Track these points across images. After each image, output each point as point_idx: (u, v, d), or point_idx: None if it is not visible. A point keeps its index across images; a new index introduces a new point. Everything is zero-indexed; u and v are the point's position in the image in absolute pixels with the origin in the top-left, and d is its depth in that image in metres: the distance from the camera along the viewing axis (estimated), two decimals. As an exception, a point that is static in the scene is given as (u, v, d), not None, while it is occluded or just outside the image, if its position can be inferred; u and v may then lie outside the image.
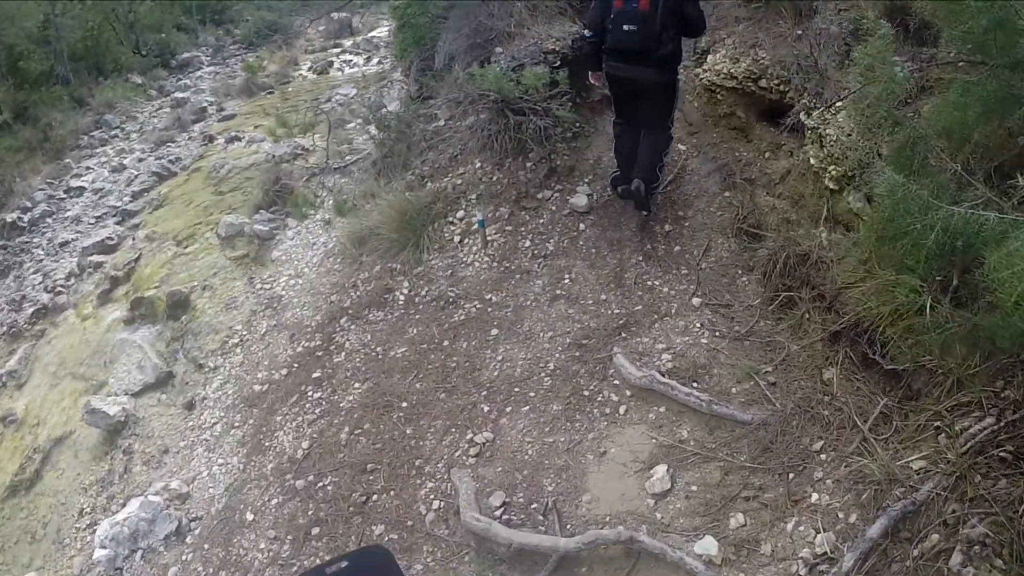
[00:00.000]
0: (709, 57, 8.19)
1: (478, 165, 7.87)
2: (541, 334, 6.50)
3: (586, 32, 6.42)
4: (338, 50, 18.40)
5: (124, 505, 6.47)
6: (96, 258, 10.50)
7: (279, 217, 9.48)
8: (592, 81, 6.97)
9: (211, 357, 7.80)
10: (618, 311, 6.51)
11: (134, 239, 10.64)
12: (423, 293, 7.20)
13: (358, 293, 7.55)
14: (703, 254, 6.91)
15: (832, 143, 5.84)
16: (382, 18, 19.15)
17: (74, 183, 13.59)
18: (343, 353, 6.97)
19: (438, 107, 8.80)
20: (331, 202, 9.25)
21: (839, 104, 5.98)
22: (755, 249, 6.57)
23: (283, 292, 8.17)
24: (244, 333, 7.88)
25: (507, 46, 8.20)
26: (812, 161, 6.23)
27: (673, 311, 6.47)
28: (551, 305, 6.69)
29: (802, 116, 6.48)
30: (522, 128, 7.43)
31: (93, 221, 11.98)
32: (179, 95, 16.98)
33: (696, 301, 6.49)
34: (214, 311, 8.38)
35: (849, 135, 5.81)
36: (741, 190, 7.27)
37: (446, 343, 6.66)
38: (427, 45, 9.39)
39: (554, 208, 7.46)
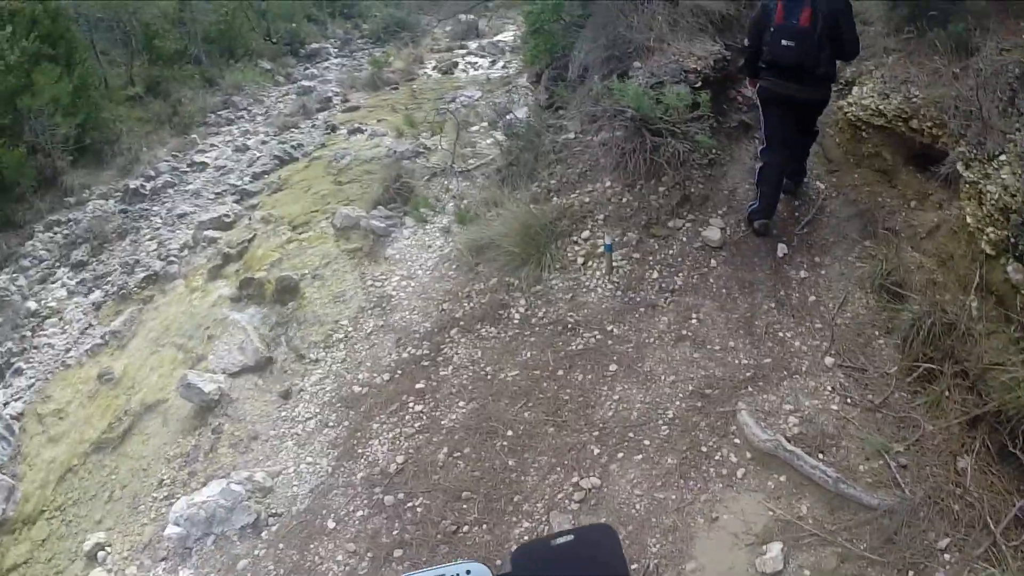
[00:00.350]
0: (855, 89, 7.48)
1: (608, 184, 7.31)
2: (662, 376, 5.94)
3: (745, 41, 6.38)
4: (464, 51, 18.01)
5: (205, 485, 6.19)
6: (211, 233, 10.32)
7: (397, 215, 9.12)
8: (747, 88, 7.15)
9: (313, 348, 7.44)
10: (746, 361, 5.93)
11: (250, 219, 10.43)
12: (540, 314, 6.68)
13: (471, 305, 7.11)
14: (839, 308, 6.26)
15: (993, 201, 5.23)
16: (508, 22, 18.71)
17: (198, 158, 13.55)
18: (450, 367, 6.51)
19: (569, 118, 8.28)
20: (451, 206, 8.86)
21: (1002, 157, 5.36)
22: (896, 310, 5.91)
23: (394, 292, 7.78)
24: (350, 329, 7.50)
25: (646, 61, 7.64)
26: (968, 219, 5.56)
27: (804, 369, 5.85)
28: (675, 346, 6.13)
29: (959, 166, 5.81)
30: (659, 150, 6.86)
31: (212, 197, 11.86)
32: (306, 83, 16.95)
33: (829, 361, 5.86)
34: (321, 302, 8.04)
35: (1014, 195, 5.10)
36: (883, 242, 6.59)
37: (560, 372, 6.14)
38: (560, 53, 8.89)
39: (684, 239, 6.86)
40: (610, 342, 6.26)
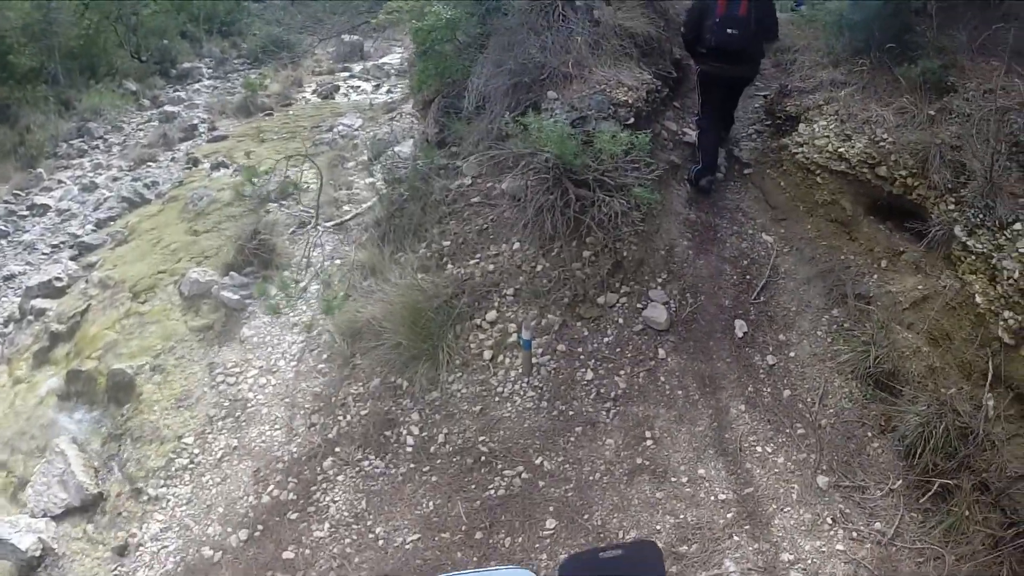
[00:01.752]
0: (803, 127, 5.71)
1: (517, 247, 5.26)
2: (619, 532, 4.02)
3: (682, 30, 6.12)
4: (346, 74, 15.18)
5: None
6: (40, 303, 7.74)
7: (255, 281, 6.62)
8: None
9: (152, 479, 5.16)
10: (724, 496, 4.17)
11: (87, 282, 7.80)
12: (440, 438, 4.63)
13: (349, 418, 4.97)
14: (819, 402, 4.55)
15: (1011, 281, 4.15)
16: (395, 44, 16.10)
17: (39, 199, 10.72)
18: (326, 523, 4.38)
19: (464, 158, 6.08)
20: (317, 286, 6.45)
21: (1017, 227, 4.25)
22: (892, 408, 4.40)
23: (250, 394, 5.54)
24: (196, 451, 5.21)
25: (563, 91, 5.65)
26: (978, 299, 4.33)
27: (794, 497, 4.17)
28: (630, 483, 4.26)
29: (958, 231, 4.53)
30: (588, 207, 4.77)
31: (47, 251, 9.18)
32: (170, 108, 13.87)
33: (822, 481, 4.22)
34: (162, 406, 5.70)
35: None
36: (856, 313, 4.96)
37: (479, 535, 4.13)
38: (454, 79, 6.61)
39: (621, 320, 4.92)
40: (542, 484, 4.26)
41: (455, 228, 5.62)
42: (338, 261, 6.64)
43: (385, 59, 15.46)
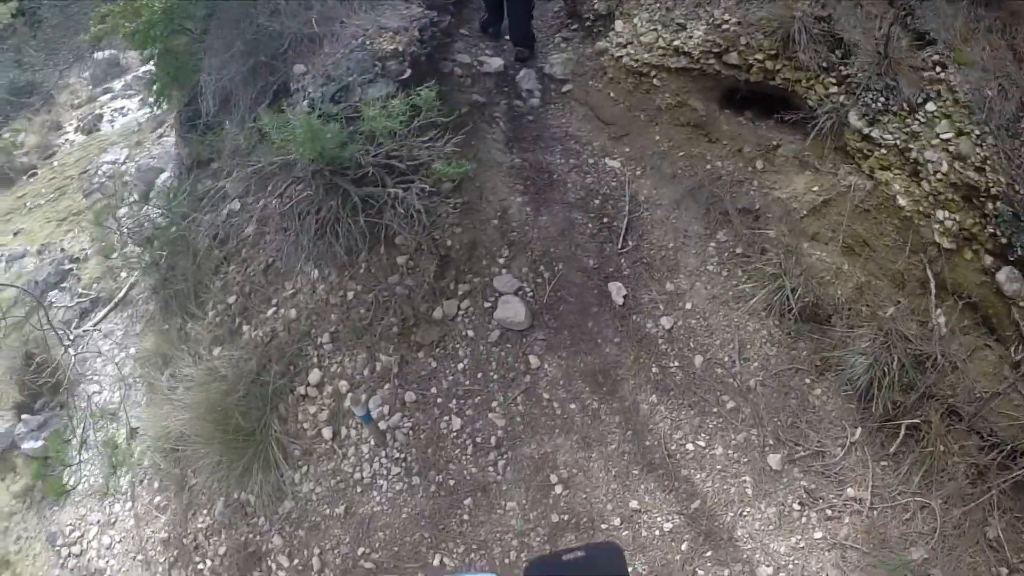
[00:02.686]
0: (620, 24, 4.42)
1: (315, 275, 3.83)
2: None
3: None
4: (108, 96, 12.27)
5: None
6: None
7: (53, 414, 4.84)
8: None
9: None
10: (670, 524, 3.15)
11: None
12: (315, 563, 3.42)
13: (209, 563, 3.67)
14: (739, 359, 3.48)
15: (941, 176, 3.27)
16: (154, 48, 13.28)
17: None
18: None
19: (226, 176, 4.45)
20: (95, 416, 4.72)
21: (930, 107, 3.35)
22: (822, 336, 3.47)
23: (101, 562, 4.05)
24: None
25: (311, 59, 4.08)
26: (901, 201, 3.47)
27: (749, 492, 3.19)
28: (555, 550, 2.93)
29: (853, 118, 3.57)
30: (384, 205, 3.38)
31: None
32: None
33: (774, 460, 3.24)
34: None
35: (980, 169, 3.15)
36: (748, 233, 3.85)
37: None
38: (192, 81, 4.86)
39: (472, 332, 3.62)
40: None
41: (236, 275, 4.08)
42: (132, 350, 4.92)
43: (146, 66, 12.72)
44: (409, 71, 3.96)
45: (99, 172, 8.48)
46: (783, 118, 3.83)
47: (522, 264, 3.83)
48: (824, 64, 3.57)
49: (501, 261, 3.84)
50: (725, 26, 3.90)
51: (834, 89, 3.56)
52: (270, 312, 3.88)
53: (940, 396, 3.17)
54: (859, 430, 3.22)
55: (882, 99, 3.38)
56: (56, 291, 6.20)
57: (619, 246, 3.88)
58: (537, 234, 3.95)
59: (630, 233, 3.95)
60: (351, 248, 3.67)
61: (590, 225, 4.01)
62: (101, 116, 11.43)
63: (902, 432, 3.15)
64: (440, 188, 3.71)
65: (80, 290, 5.99)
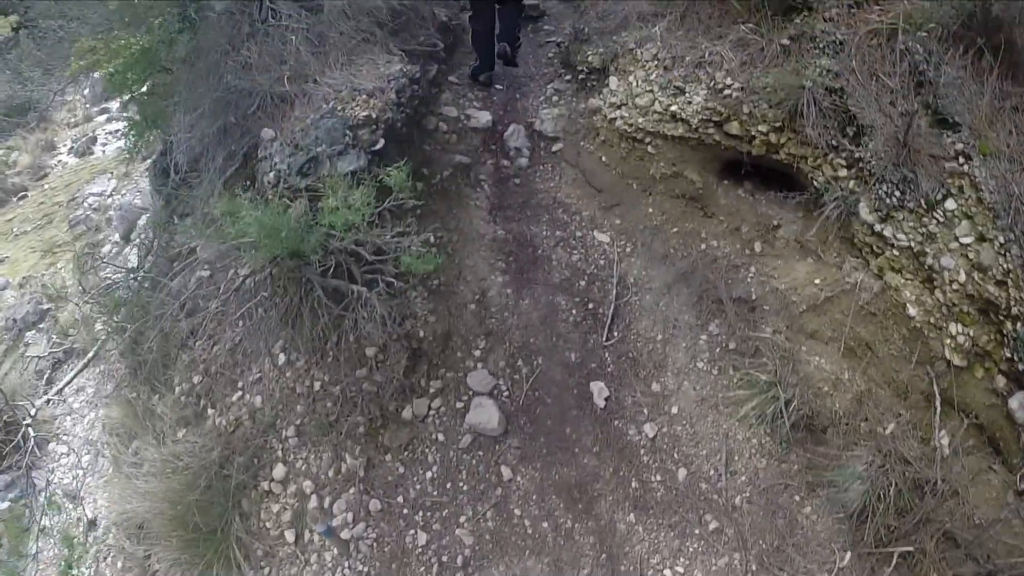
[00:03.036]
0: (614, 81, 4.16)
1: (282, 360, 3.61)
2: None
3: None
4: (104, 117, 11.93)
5: None
6: None
7: (18, 473, 4.61)
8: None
9: None
10: None
11: None
12: None
13: None
14: (726, 472, 3.23)
15: (957, 287, 2.96)
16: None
17: None
18: None
19: (199, 232, 4.22)
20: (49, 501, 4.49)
21: (949, 204, 3.01)
22: (816, 449, 3.18)
23: None
24: None
25: (281, 122, 3.80)
26: (912, 311, 3.15)
27: None
28: None
29: (864, 212, 3.27)
30: (350, 300, 3.17)
31: None
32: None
33: None
34: None
35: (1002, 282, 2.83)
36: (743, 326, 3.56)
37: None
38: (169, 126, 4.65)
39: (442, 436, 3.39)
40: None
41: (203, 352, 3.87)
42: (102, 412, 4.72)
43: (125, 112, 12.34)
44: (382, 142, 3.70)
45: (85, 203, 8.31)
46: (786, 196, 3.57)
47: (499, 358, 3.59)
48: (834, 143, 3.27)
49: (477, 354, 3.60)
50: (727, 91, 3.60)
51: (843, 172, 3.26)
52: (235, 397, 3.66)
53: (937, 521, 2.88)
54: (848, 555, 2.97)
55: (897, 192, 3.06)
56: (34, 331, 6.06)
57: (604, 338, 3.63)
58: (517, 321, 3.70)
59: (616, 322, 3.70)
60: (318, 336, 3.46)
61: (574, 311, 3.76)
62: (95, 139, 11.13)
63: (894, 560, 2.91)
64: (408, 290, 3.48)
65: (54, 338, 5.80)
